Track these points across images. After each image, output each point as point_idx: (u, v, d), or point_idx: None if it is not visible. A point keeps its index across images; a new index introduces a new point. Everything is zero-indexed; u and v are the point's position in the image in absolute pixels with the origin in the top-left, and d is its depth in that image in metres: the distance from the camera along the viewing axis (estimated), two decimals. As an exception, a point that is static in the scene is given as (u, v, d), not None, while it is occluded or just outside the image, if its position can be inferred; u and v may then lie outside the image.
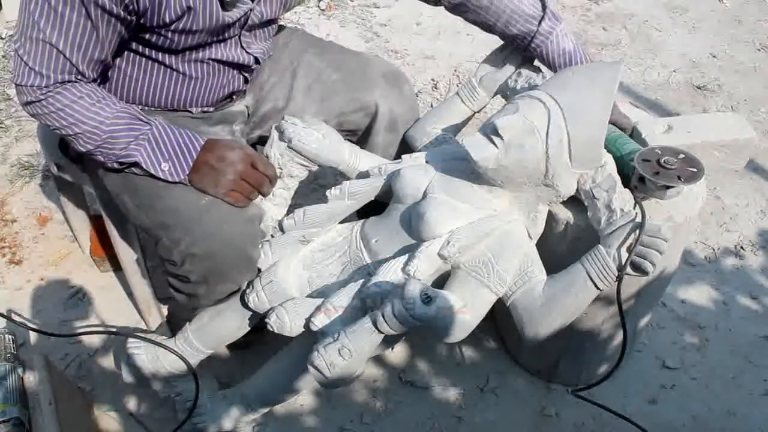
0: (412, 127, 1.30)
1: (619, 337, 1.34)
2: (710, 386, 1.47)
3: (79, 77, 1.03)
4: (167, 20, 0.99)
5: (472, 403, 1.43)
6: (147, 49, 1.09)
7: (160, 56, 1.10)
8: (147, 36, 1.04)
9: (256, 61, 1.19)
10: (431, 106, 2.22)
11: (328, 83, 1.30)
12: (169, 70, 1.12)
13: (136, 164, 1.07)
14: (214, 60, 1.13)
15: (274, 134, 1.18)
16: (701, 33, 2.65)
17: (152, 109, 1.18)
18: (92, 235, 1.64)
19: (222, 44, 1.12)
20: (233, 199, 1.09)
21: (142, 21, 1.00)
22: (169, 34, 1.03)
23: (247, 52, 1.16)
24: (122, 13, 0.96)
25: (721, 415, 1.42)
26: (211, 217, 1.08)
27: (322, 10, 2.70)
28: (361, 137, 1.34)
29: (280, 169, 1.19)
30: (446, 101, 1.30)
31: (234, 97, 1.25)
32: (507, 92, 1.24)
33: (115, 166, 1.08)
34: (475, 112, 1.29)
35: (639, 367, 1.50)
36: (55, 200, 1.85)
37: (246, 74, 1.22)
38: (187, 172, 1.07)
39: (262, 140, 1.32)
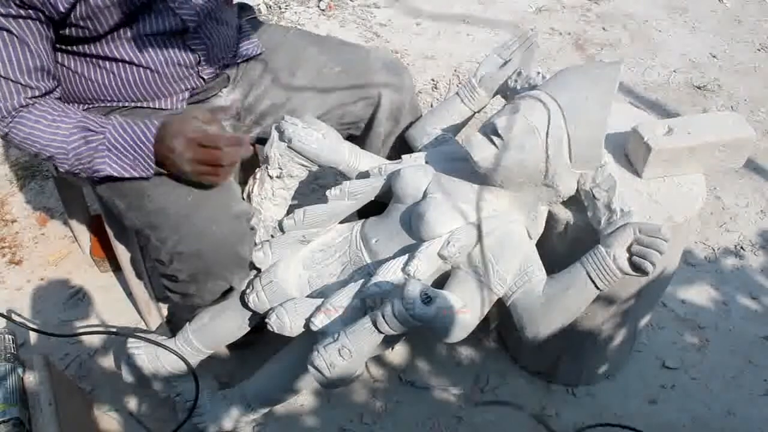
0: (412, 127, 1.30)
1: (619, 337, 1.35)
2: (710, 386, 1.47)
3: (32, 97, 1.03)
4: (62, 9, 0.98)
5: (472, 403, 1.43)
6: (83, 45, 1.08)
7: (97, 48, 1.08)
8: (68, 31, 1.04)
9: (184, 23, 1.12)
10: (431, 106, 2.22)
11: (330, 76, 1.30)
12: (115, 63, 1.11)
13: (109, 176, 1.07)
14: (148, 35, 1.10)
15: (274, 134, 1.18)
16: (701, 33, 2.65)
17: (128, 104, 1.17)
18: (92, 235, 1.64)
19: (149, 16, 1.08)
20: (208, 181, 1.07)
21: (48, 15, 0.99)
22: (82, 23, 1.02)
23: (175, 14, 1.10)
24: (22, 12, 0.96)
25: (721, 415, 1.42)
26: (198, 215, 1.08)
27: (322, 10, 2.70)
28: (363, 128, 1.34)
29: (280, 169, 1.19)
30: (446, 101, 1.30)
31: (199, 71, 1.19)
32: (507, 92, 1.24)
33: (97, 179, 1.09)
34: (475, 112, 1.29)
35: (639, 367, 1.50)
36: (55, 200, 1.85)
37: (189, 43, 1.15)
38: (153, 169, 1.06)
39: (261, 140, 1.31)
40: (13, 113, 1.02)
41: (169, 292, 1.22)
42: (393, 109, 1.31)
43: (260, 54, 1.32)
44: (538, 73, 1.21)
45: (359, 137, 1.35)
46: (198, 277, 1.13)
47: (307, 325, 1.09)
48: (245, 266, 1.16)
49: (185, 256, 1.10)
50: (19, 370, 1.13)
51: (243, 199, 1.20)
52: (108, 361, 1.48)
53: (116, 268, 1.65)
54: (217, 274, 1.14)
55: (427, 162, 1.16)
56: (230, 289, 1.19)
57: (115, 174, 1.06)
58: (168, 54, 1.14)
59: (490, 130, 1.02)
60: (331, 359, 0.99)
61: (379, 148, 1.34)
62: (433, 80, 2.36)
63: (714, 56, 2.52)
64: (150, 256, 1.16)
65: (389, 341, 1.09)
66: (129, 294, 1.59)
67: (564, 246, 1.16)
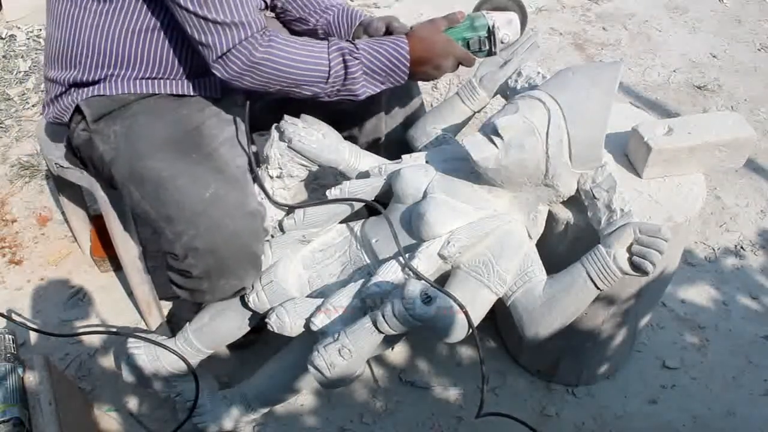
0: (413, 127, 1.30)
1: (619, 337, 1.35)
2: (710, 386, 1.47)
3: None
4: None
5: (472, 403, 1.43)
6: None
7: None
8: None
9: None
10: (431, 106, 2.22)
11: None
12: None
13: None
14: None
15: (274, 134, 1.18)
16: (701, 33, 2.65)
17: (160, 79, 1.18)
18: (92, 235, 1.64)
19: None
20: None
21: None
22: None
23: None
24: None
25: (721, 415, 1.42)
26: (214, 211, 1.08)
27: (322, 10, 2.70)
28: None
29: (280, 169, 1.19)
30: (446, 101, 1.30)
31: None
32: (507, 92, 1.24)
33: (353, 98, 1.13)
34: (475, 112, 1.29)
35: (639, 367, 1.50)
36: (55, 200, 1.85)
37: None
38: (403, 82, 1.14)
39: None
40: (263, 31, 1.03)
41: (179, 288, 1.20)
42: None
43: None
44: (538, 73, 1.21)
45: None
46: (212, 273, 1.12)
47: (307, 325, 1.09)
48: (258, 265, 1.15)
49: (201, 252, 1.09)
50: (19, 370, 1.13)
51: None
52: (108, 361, 1.48)
53: (116, 268, 1.65)
54: (231, 272, 1.13)
55: (427, 162, 1.16)
56: (241, 290, 1.18)
57: (370, 93, 1.13)
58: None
59: (490, 130, 1.02)
60: (331, 359, 0.99)
61: (381, 104, 1.35)
62: (433, 80, 2.36)
63: (714, 56, 2.52)
64: (162, 249, 1.14)
65: (389, 341, 1.09)
66: (129, 294, 1.59)
67: (564, 246, 1.16)
